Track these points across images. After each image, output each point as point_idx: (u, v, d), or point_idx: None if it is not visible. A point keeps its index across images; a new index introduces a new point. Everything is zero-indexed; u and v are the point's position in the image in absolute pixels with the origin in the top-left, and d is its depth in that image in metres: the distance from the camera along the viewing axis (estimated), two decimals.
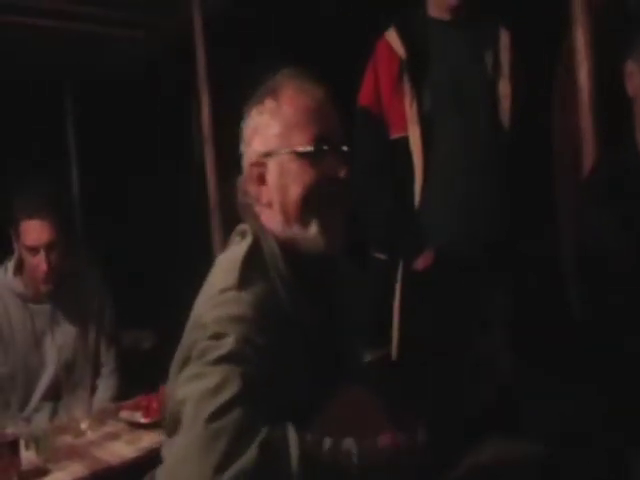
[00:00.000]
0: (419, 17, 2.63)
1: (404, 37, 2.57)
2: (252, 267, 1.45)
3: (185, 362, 1.37)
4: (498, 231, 2.50)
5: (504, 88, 2.55)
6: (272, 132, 1.51)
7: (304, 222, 1.50)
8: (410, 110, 2.49)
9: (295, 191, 1.49)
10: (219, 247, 3.32)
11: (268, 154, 1.52)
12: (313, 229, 1.49)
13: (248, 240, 1.51)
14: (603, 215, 1.86)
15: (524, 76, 2.60)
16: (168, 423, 1.39)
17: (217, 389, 1.28)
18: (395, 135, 2.55)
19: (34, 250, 2.64)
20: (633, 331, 1.77)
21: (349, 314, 1.69)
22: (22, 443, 2.15)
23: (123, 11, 3.86)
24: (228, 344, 1.32)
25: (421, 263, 2.46)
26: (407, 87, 2.51)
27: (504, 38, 2.59)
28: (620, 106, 1.96)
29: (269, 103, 1.53)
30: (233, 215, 1.65)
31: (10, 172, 3.83)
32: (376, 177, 2.56)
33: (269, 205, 1.52)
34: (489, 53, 2.58)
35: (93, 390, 2.86)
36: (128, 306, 3.08)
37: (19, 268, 2.75)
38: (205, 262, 1.61)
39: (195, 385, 1.30)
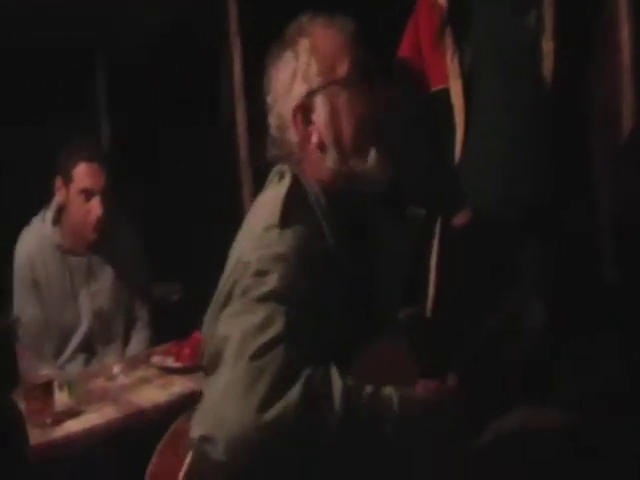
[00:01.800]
0: None
1: None
2: (294, 205, 1.44)
3: (227, 301, 1.37)
4: (538, 193, 2.47)
5: (547, 45, 2.47)
6: (313, 70, 1.49)
7: (362, 152, 1.49)
8: (452, 64, 2.46)
9: (349, 122, 1.49)
10: (249, 200, 3.32)
11: (313, 92, 1.49)
12: (372, 158, 1.49)
13: (287, 179, 1.50)
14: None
15: (567, 34, 2.52)
16: (208, 362, 1.38)
17: (261, 326, 1.27)
18: (436, 87, 2.51)
19: (89, 194, 2.64)
20: None
21: (388, 264, 1.67)
22: (56, 385, 2.20)
23: None
24: (272, 281, 1.32)
25: (459, 220, 2.46)
26: (449, 40, 2.47)
27: None
28: None
29: (303, 43, 1.51)
30: (263, 169, 1.63)
31: (41, 124, 3.85)
32: (416, 130, 2.52)
33: (320, 145, 1.50)
34: (533, 9, 2.50)
35: (126, 343, 2.87)
36: (157, 259, 3.10)
37: (57, 218, 2.74)
38: (234, 214, 1.60)
39: (239, 322, 1.30)
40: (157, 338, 2.90)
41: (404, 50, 2.59)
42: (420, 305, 2.51)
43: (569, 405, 2.09)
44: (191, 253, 3.73)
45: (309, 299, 1.35)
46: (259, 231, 1.41)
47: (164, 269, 3.31)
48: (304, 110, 1.50)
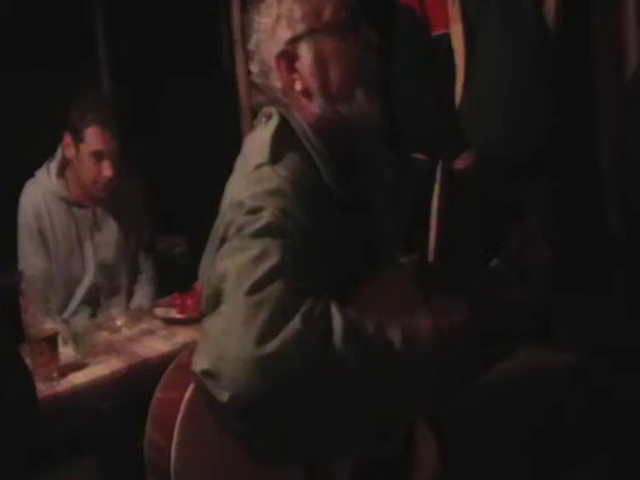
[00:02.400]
0: None
1: None
2: (283, 142, 1.45)
3: (222, 241, 1.37)
4: (540, 135, 2.45)
5: None
6: (297, 15, 1.47)
7: (348, 96, 1.48)
8: (452, 7, 2.44)
9: (336, 67, 1.47)
10: None
11: (297, 38, 1.47)
12: (358, 100, 1.47)
13: (275, 120, 1.49)
14: None
15: None
16: (208, 302, 1.37)
17: (257, 260, 1.27)
18: (437, 32, 2.50)
19: (101, 156, 2.64)
20: None
21: (385, 199, 1.68)
22: (60, 339, 2.21)
23: None
24: (266, 217, 1.32)
25: (460, 163, 2.44)
26: None
27: None
28: None
29: None
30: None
31: (38, 76, 3.80)
32: (418, 75, 2.52)
33: (305, 92, 1.49)
34: None
35: (130, 296, 2.89)
36: (159, 212, 3.09)
37: (62, 171, 2.74)
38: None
39: (234, 258, 1.30)
40: (161, 290, 2.91)
41: None
42: (423, 250, 2.51)
43: (571, 347, 2.09)
44: (195, 206, 3.72)
45: (305, 231, 1.35)
46: (250, 170, 1.42)
47: (167, 222, 3.31)
48: (288, 57, 1.48)
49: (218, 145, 3.69)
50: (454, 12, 2.44)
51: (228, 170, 1.54)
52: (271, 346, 1.21)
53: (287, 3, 1.48)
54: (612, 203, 2.44)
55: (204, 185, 3.61)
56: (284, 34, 1.48)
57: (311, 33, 1.47)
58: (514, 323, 2.22)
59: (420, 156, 2.58)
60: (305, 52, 1.47)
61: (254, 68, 1.54)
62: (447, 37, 2.47)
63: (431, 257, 2.49)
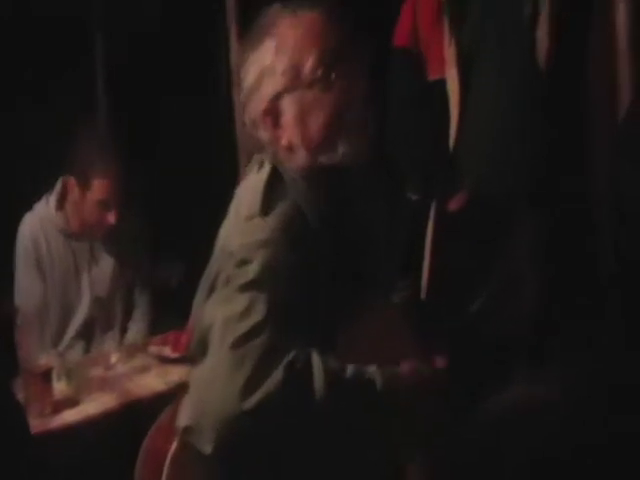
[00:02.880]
0: None
1: None
2: (274, 192, 1.45)
3: (212, 290, 1.38)
4: (533, 174, 2.47)
5: (542, 28, 2.47)
6: (279, 71, 1.46)
7: (330, 147, 1.47)
8: (448, 50, 2.46)
9: (317, 121, 1.47)
10: None
11: (280, 95, 1.47)
12: (341, 149, 1.47)
13: (267, 167, 1.50)
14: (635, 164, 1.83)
15: (563, 16, 2.49)
16: (195, 349, 1.39)
17: (242, 315, 1.29)
18: (433, 77, 2.51)
19: (106, 205, 2.67)
20: None
21: (377, 237, 1.68)
22: (54, 374, 2.21)
23: None
24: (254, 270, 1.33)
25: (454, 204, 2.46)
26: (445, 27, 2.46)
27: None
28: None
29: (268, 43, 1.48)
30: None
31: (35, 93, 3.81)
32: (413, 117, 2.53)
33: (289, 147, 1.49)
34: None
35: (125, 331, 2.88)
36: (157, 239, 3.10)
37: (61, 203, 2.76)
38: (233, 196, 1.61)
39: (221, 310, 1.32)
40: (157, 320, 2.91)
41: (400, 38, 2.57)
42: (414, 287, 2.52)
43: (562, 383, 2.09)
44: (194, 233, 3.73)
45: (293, 278, 1.36)
46: (241, 220, 1.43)
47: (165, 250, 3.32)
48: (272, 113, 1.49)
49: (215, 173, 3.71)
50: (450, 55, 2.45)
51: (225, 198, 1.56)
52: (254, 399, 1.23)
53: (269, 59, 1.48)
54: (605, 241, 2.44)
55: (201, 213, 3.64)
56: (267, 90, 1.48)
57: (292, 88, 1.47)
58: (505, 355, 2.25)
59: (414, 196, 2.60)
60: (287, 107, 1.47)
61: (246, 118, 1.54)
62: (443, 82, 2.47)
63: (424, 294, 2.51)
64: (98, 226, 2.72)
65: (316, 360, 1.31)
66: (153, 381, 2.24)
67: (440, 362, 1.51)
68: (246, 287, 1.32)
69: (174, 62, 3.98)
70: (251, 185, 1.50)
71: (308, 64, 1.46)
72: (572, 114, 2.53)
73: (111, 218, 2.67)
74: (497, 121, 2.45)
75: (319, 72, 1.46)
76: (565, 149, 2.52)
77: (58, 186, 2.76)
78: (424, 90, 2.53)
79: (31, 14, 3.84)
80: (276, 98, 1.47)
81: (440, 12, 2.48)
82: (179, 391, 2.05)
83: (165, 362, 2.36)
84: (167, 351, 2.38)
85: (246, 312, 1.30)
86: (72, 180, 2.71)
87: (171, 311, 2.84)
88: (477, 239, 2.44)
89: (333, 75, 1.46)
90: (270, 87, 1.47)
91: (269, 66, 1.47)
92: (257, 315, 1.29)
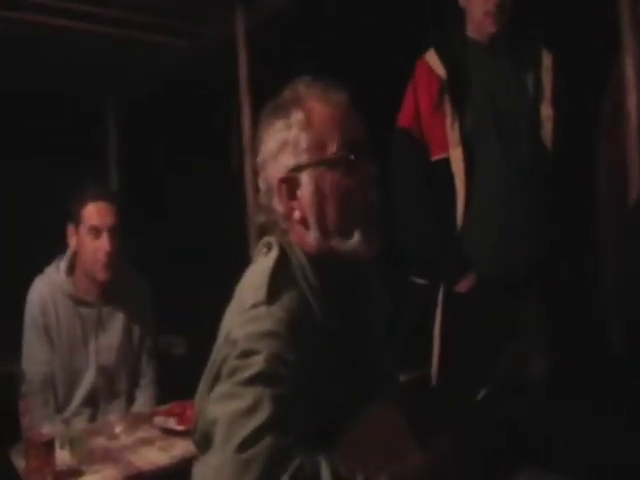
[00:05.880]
0: (458, 38, 2.62)
1: (444, 58, 2.56)
2: (281, 280, 1.44)
3: (216, 379, 1.37)
4: (540, 257, 2.47)
5: (546, 111, 2.52)
6: (303, 145, 1.48)
7: (345, 234, 1.48)
8: (451, 132, 2.48)
9: (334, 203, 1.47)
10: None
11: (300, 168, 1.48)
12: (355, 239, 1.48)
13: (275, 252, 1.49)
14: None
15: (567, 99, 2.56)
16: (199, 441, 1.39)
17: (249, 412, 1.27)
18: (436, 157, 2.53)
19: (97, 232, 2.67)
20: None
21: (380, 330, 1.68)
22: (57, 443, 2.18)
23: (167, 19, 3.90)
24: (259, 363, 1.32)
25: (463, 286, 2.45)
26: (448, 108, 2.50)
27: (546, 59, 2.57)
28: None
29: (296, 115, 1.50)
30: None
31: (45, 171, 3.88)
32: (417, 200, 2.53)
33: (302, 221, 1.49)
34: (531, 75, 2.56)
35: (131, 401, 2.87)
36: (161, 311, 3.10)
37: (72, 268, 2.77)
38: (240, 268, 1.60)
39: (226, 406, 1.30)
40: (162, 393, 2.89)
41: (404, 119, 2.61)
42: (424, 371, 2.49)
43: (570, 471, 2.06)
44: (197, 306, 3.73)
45: (298, 372, 1.35)
46: (247, 307, 1.41)
47: (168, 322, 3.32)
48: (289, 183, 1.49)
49: (221, 247, 3.74)
50: (453, 135, 2.48)
51: (232, 272, 1.56)
52: None
53: (295, 130, 1.48)
54: (613, 324, 2.44)
55: (207, 285, 3.65)
56: (288, 161, 1.49)
57: (314, 164, 1.47)
58: (511, 443, 2.21)
59: (420, 281, 2.58)
60: (306, 182, 1.48)
61: (261, 185, 1.55)
62: (446, 162, 2.49)
63: (434, 381, 2.48)
64: (96, 262, 2.68)
65: (324, 470, 1.28)
66: (157, 454, 2.20)
67: (444, 459, 1.49)
68: (251, 381, 1.31)
69: (187, 131, 4.06)
70: (258, 270, 1.49)
71: (333, 144, 1.48)
72: (577, 194, 2.56)
73: (105, 245, 2.66)
74: (503, 203, 2.47)
75: (343, 153, 1.47)
76: (573, 229, 2.54)
77: (68, 252, 2.78)
78: (428, 171, 2.54)
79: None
80: (296, 169, 1.48)
81: (441, 94, 2.52)
82: (183, 466, 2.04)
83: (169, 434, 2.32)
84: (172, 423, 2.35)
85: (253, 409, 1.28)
86: (70, 227, 2.74)
87: (174, 381, 2.84)
88: (486, 320, 2.42)
89: (354, 160, 1.48)
90: (292, 158, 1.49)
91: (294, 137, 1.48)
92: (263, 413, 1.27)
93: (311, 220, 1.48)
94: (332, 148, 1.48)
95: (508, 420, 2.26)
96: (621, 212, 2.34)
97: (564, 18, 3.04)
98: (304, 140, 1.48)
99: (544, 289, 2.52)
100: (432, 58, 2.58)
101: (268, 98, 1.59)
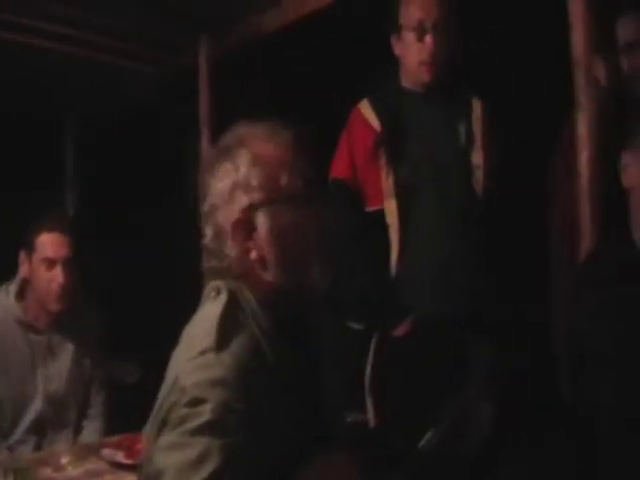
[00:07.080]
0: (393, 88, 2.63)
1: (378, 110, 2.55)
2: (230, 326, 1.42)
3: (164, 424, 1.34)
4: (476, 299, 2.50)
5: (477, 158, 2.55)
6: (254, 183, 1.46)
7: (304, 267, 1.48)
8: (386, 183, 2.48)
9: (293, 238, 1.47)
10: None
11: (254, 206, 1.46)
12: (314, 272, 1.48)
13: (223, 297, 1.46)
14: (594, 303, 1.89)
15: (497, 146, 2.59)
16: None
17: (197, 463, 1.26)
18: (371, 208, 2.54)
19: (51, 263, 2.64)
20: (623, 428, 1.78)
21: (329, 370, 1.67)
22: (1, 472, 2.15)
23: (132, 43, 3.90)
24: (207, 412, 1.29)
25: (400, 331, 2.46)
26: (383, 160, 2.50)
27: (476, 108, 2.59)
28: (619, 195, 1.98)
29: (242, 155, 1.48)
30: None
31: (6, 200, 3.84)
32: (352, 249, 2.50)
33: (260, 261, 1.47)
34: (462, 123, 2.58)
35: (79, 431, 2.84)
36: (114, 337, 3.07)
37: (21, 293, 2.74)
38: (195, 297, 1.59)
39: (174, 456, 1.28)
40: (113, 420, 2.88)
41: (338, 170, 2.60)
42: (363, 418, 2.51)
43: None
44: (151, 333, 3.71)
45: (249, 418, 1.33)
46: (195, 354, 1.38)
47: (121, 349, 3.29)
48: (244, 225, 1.47)
49: (180, 273, 3.72)
50: (388, 187, 2.49)
51: (186, 300, 1.55)
52: None
53: (243, 170, 1.46)
54: (562, 371, 2.48)
55: (161, 312, 3.63)
56: (241, 201, 1.46)
57: (268, 202, 1.46)
58: None
59: (356, 326, 2.59)
60: (262, 220, 1.46)
61: (208, 231, 1.51)
62: (382, 213, 2.50)
63: (371, 423, 2.48)
64: (49, 293, 2.66)
65: None
66: None
67: None
68: (200, 431, 1.28)
69: (145, 164, 4.04)
70: (207, 315, 1.46)
71: (285, 179, 1.47)
72: (514, 239, 2.60)
73: (59, 277, 2.63)
74: (437, 249, 2.49)
75: (296, 188, 1.47)
76: (514, 276, 2.58)
77: (18, 277, 2.74)
78: (362, 221, 2.54)
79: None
80: (250, 210, 1.45)
81: (376, 146, 2.51)
82: None
83: (118, 468, 2.29)
84: (120, 457, 2.31)
85: (200, 460, 1.26)
86: (22, 254, 2.71)
87: (126, 409, 2.81)
88: (423, 367, 2.43)
89: (307, 194, 1.48)
90: (245, 197, 1.46)
91: (244, 176, 1.46)
92: (211, 464, 1.26)
93: (269, 258, 1.46)
94: (284, 183, 1.47)
95: (453, 462, 2.29)
96: (571, 266, 2.39)
97: (512, 72, 3.12)
98: (254, 178, 1.46)
99: (486, 332, 2.54)
100: (367, 110, 2.58)
101: (228, 130, 1.58)
